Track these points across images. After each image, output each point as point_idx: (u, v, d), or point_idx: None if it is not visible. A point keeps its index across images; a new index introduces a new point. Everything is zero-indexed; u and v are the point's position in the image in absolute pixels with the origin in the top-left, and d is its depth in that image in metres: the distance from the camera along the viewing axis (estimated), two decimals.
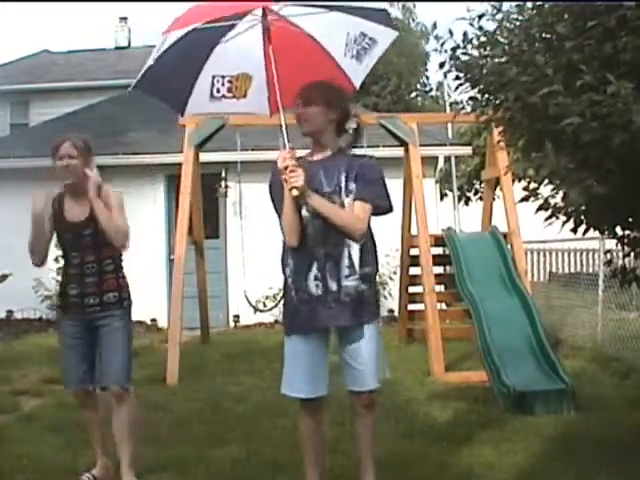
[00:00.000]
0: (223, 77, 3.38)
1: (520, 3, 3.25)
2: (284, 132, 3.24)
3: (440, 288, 7.81)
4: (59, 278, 3.80)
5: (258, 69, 3.41)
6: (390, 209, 3.21)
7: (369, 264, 3.16)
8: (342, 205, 3.10)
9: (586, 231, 3.32)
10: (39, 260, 3.64)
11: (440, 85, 27.16)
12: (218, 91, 3.37)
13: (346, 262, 3.10)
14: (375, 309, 3.21)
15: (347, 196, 3.11)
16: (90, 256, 3.60)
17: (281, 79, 3.25)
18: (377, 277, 3.31)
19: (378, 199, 3.14)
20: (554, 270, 11.49)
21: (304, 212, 3.12)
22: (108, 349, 3.59)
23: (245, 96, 3.42)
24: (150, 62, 3.27)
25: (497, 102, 3.27)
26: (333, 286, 3.10)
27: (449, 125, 11.37)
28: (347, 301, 3.10)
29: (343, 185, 3.11)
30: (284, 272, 3.28)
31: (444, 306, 8.57)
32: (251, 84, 3.37)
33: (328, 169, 3.15)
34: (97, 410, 3.78)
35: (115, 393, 3.58)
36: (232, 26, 3.35)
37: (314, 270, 3.13)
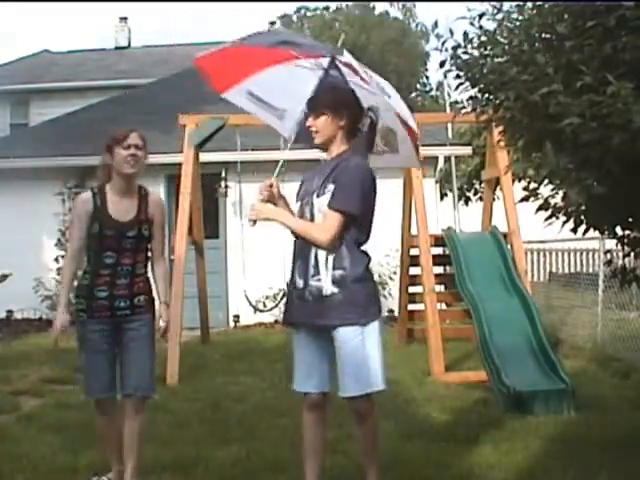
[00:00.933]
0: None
1: (520, 3, 3.25)
2: (279, 166, 3.37)
3: (440, 288, 7.81)
4: (83, 281, 3.51)
5: (396, 123, 3.44)
6: (352, 215, 3.09)
7: (343, 267, 3.09)
8: (311, 205, 3.15)
9: (586, 231, 3.32)
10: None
11: (440, 85, 27.18)
12: (377, 145, 3.46)
13: (312, 262, 3.13)
14: (352, 315, 3.08)
15: (318, 197, 3.14)
16: (127, 259, 3.46)
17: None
18: (368, 278, 3.21)
19: (342, 206, 3.08)
20: (554, 270, 11.49)
21: (294, 209, 3.27)
22: (138, 356, 3.49)
23: (398, 151, 3.48)
24: (300, 114, 3.44)
25: (497, 101, 3.27)
26: (300, 284, 3.16)
27: (449, 125, 11.37)
28: (310, 300, 3.12)
29: (321, 186, 3.15)
30: None
31: (444, 306, 8.57)
32: (397, 138, 3.39)
33: (323, 171, 3.23)
34: (116, 417, 3.59)
35: (138, 401, 3.49)
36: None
37: (293, 269, 3.25)
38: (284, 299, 9.48)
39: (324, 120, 3.20)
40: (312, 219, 3.16)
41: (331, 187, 3.10)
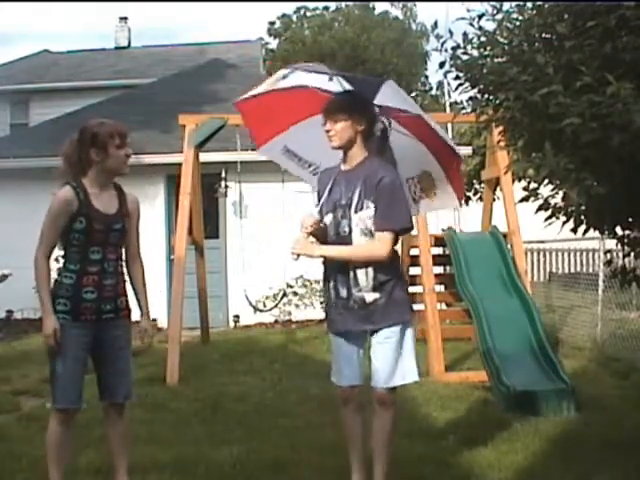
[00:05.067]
0: (412, 179, 3.52)
1: (520, 3, 3.25)
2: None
3: (440, 288, 7.81)
4: (65, 280, 3.30)
5: (431, 163, 3.47)
6: (411, 228, 3.33)
7: (382, 274, 3.23)
8: (349, 219, 3.22)
9: (586, 231, 3.31)
10: None
11: (440, 85, 27.20)
12: (415, 193, 3.54)
13: (351, 274, 3.24)
14: (396, 314, 3.27)
15: (356, 212, 3.21)
16: (112, 254, 3.34)
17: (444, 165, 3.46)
18: (403, 277, 3.44)
19: (399, 223, 3.21)
20: (554, 270, 11.49)
21: (325, 221, 3.31)
22: (126, 364, 3.41)
23: (436, 195, 3.53)
24: None
25: (497, 102, 3.27)
26: (344, 294, 3.28)
27: (449, 125, 11.37)
28: (355, 308, 3.26)
29: (355, 201, 3.21)
30: None
31: (444, 306, 8.57)
32: (434, 182, 3.47)
33: (349, 181, 3.26)
34: (72, 430, 3.40)
35: (121, 407, 3.43)
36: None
37: (332, 280, 3.33)
38: (284, 299, 9.37)
39: (343, 124, 3.23)
40: (350, 232, 3.24)
41: (370, 205, 3.18)
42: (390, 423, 3.35)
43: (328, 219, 3.31)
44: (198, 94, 12.40)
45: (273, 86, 3.49)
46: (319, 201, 3.37)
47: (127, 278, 3.51)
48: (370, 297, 3.23)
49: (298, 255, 3.26)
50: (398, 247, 3.34)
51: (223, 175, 10.74)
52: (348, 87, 3.41)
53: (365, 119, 3.26)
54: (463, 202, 3.84)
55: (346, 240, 3.24)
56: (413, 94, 31.02)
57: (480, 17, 3.24)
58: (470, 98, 3.45)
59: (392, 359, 3.28)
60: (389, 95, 3.32)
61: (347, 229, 3.24)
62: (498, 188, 7.86)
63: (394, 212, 3.18)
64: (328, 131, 3.27)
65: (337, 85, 3.41)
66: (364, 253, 3.22)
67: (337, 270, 3.29)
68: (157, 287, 10.10)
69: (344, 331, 3.36)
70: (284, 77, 3.45)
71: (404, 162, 3.45)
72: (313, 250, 3.26)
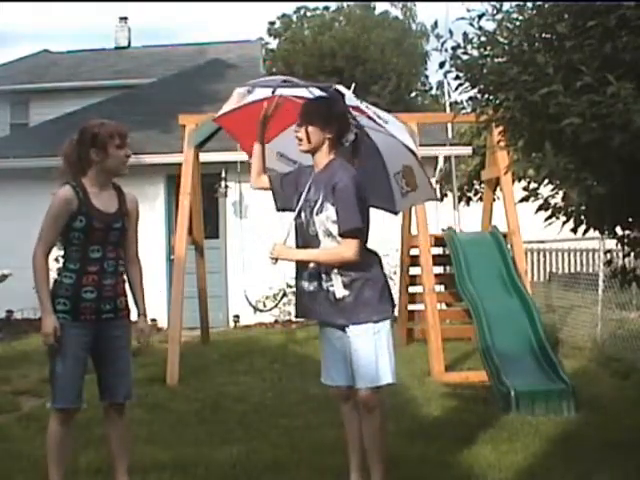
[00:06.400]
0: (398, 173, 3.59)
1: (520, 3, 3.25)
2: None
3: (440, 288, 7.81)
4: (65, 279, 3.31)
5: (407, 156, 3.51)
6: (359, 229, 3.24)
7: (351, 271, 3.25)
8: (314, 221, 3.27)
9: (586, 231, 3.32)
10: None
11: (440, 85, 27.20)
12: (403, 188, 3.62)
13: (323, 269, 3.29)
14: (363, 314, 3.27)
15: (317, 214, 3.27)
16: (111, 253, 3.34)
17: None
18: (378, 277, 3.36)
19: (351, 225, 3.20)
20: (554, 270, 11.50)
21: (300, 219, 3.35)
22: (126, 365, 3.41)
23: (417, 186, 3.60)
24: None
25: (497, 102, 3.27)
26: (315, 287, 3.32)
27: (449, 125, 11.36)
28: (326, 302, 3.30)
29: (318, 204, 3.27)
30: None
31: (444, 306, 8.57)
32: (415, 174, 3.53)
33: (317, 184, 3.32)
34: (72, 429, 3.42)
35: (121, 407, 3.43)
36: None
37: (306, 274, 3.35)
38: (284, 299, 9.43)
39: (311, 130, 3.30)
40: (317, 234, 3.29)
41: (330, 207, 3.22)
42: (379, 426, 3.34)
43: (302, 217, 3.35)
44: (198, 94, 12.40)
45: (244, 101, 3.58)
46: (296, 192, 3.40)
47: (126, 278, 3.51)
48: (340, 293, 3.26)
49: (276, 259, 3.32)
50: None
51: (223, 175, 10.74)
52: (319, 94, 3.48)
53: (334, 127, 3.30)
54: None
55: (315, 240, 3.30)
56: (413, 94, 31.04)
57: (480, 17, 3.24)
58: (470, 98, 3.45)
59: (368, 357, 3.27)
60: (349, 96, 3.40)
61: (314, 229, 3.30)
62: (498, 188, 7.86)
63: (347, 214, 3.21)
64: (297, 133, 3.34)
65: (307, 93, 3.51)
66: (336, 257, 3.25)
67: (306, 263, 3.34)
68: (157, 287, 10.12)
69: (319, 321, 3.41)
70: (249, 92, 3.56)
71: (389, 158, 3.54)
72: (292, 254, 3.34)
